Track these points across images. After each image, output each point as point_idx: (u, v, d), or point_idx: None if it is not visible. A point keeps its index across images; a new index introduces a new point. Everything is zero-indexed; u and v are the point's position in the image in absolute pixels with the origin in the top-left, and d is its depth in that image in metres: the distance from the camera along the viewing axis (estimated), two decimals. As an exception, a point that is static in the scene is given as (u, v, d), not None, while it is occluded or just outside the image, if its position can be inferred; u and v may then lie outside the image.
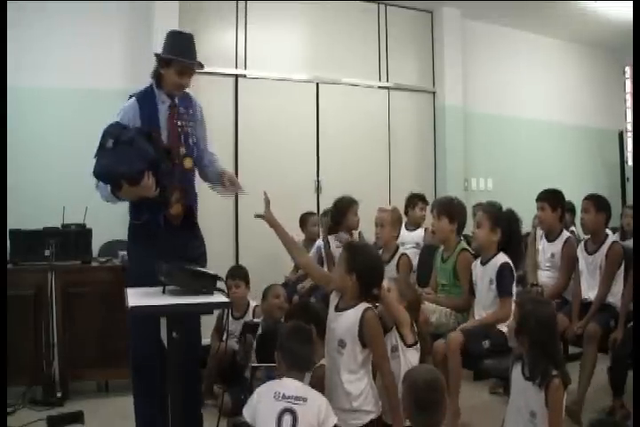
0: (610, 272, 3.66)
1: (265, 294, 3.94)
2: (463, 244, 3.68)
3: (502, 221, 3.36)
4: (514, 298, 3.18)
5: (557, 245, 4.00)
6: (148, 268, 2.59)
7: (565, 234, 4.03)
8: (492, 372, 3.27)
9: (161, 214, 2.87)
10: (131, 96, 2.95)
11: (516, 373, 2.43)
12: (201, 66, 3.00)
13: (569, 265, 3.93)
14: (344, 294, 2.57)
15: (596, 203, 3.83)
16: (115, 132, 2.74)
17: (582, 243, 3.91)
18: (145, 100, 2.91)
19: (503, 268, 3.22)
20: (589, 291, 3.75)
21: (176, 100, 2.97)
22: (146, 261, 2.69)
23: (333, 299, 2.63)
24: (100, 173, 2.71)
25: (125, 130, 2.76)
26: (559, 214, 4.04)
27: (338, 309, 2.57)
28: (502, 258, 3.27)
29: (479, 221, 3.42)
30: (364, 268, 2.51)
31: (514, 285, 3.24)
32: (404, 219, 5.12)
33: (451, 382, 2.92)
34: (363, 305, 2.50)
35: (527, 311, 2.37)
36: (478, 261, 3.40)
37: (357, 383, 2.47)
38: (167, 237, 2.86)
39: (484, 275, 3.31)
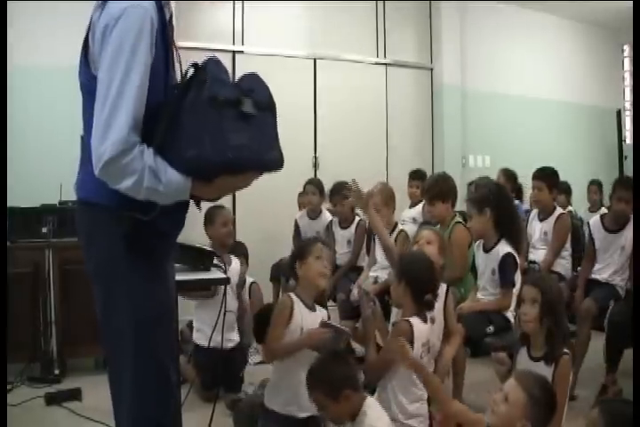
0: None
1: (210, 218, 3.60)
2: (457, 217, 3.66)
3: (488, 199, 3.30)
4: (516, 287, 3.12)
5: (550, 223, 4.04)
6: (166, 303, 1.78)
7: (558, 211, 4.07)
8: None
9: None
10: None
11: (522, 355, 2.40)
12: None
13: (558, 240, 3.98)
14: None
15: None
16: (245, 86, 1.72)
17: (599, 221, 3.80)
18: (157, 5, 1.63)
19: (505, 258, 3.16)
20: (607, 270, 3.70)
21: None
22: (164, 293, 1.80)
23: None
24: (240, 158, 1.62)
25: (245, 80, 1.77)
26: (555, 193, 4.11)
27: None
28: (504, 248, 3.19)
29: (468, 212, 3.38)
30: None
31: (516, 274, 3.19)
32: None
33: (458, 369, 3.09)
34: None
35: (553, 296, 2.31)
36: (481, 245, 3.35)
37: None
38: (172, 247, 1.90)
39: (487, 263, 3.27)
